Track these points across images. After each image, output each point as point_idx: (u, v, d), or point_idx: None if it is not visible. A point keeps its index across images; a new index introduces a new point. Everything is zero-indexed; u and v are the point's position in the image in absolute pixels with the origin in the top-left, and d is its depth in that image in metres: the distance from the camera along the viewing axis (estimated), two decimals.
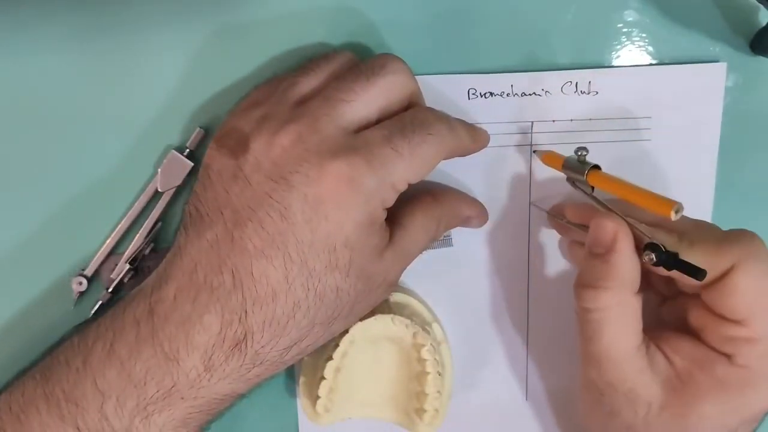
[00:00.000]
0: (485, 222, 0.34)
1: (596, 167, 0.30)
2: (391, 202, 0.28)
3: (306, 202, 0.27)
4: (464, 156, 0.32)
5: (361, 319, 0.31)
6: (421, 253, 0.31)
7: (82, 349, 0.28)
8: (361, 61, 0.31)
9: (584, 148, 0.30)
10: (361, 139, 0.28)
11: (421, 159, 0.28)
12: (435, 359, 0.32)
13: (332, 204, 0.27)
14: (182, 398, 0.27)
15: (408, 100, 0.30)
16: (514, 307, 0.36)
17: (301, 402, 0.33)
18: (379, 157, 0.27)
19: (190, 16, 0.31)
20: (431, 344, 0.32)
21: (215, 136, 0.30)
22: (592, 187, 0.30)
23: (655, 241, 0.27)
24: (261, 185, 0.27)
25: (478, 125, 0.33)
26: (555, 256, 0.35)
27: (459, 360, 0.35)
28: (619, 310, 0.28)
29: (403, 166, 0.28)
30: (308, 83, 0.29)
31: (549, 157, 0.32)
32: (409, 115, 0.29)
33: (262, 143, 0.27)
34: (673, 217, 0.26)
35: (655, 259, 0.27)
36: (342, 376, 0.32)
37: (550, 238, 0.35)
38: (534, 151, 0.34)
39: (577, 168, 0.30)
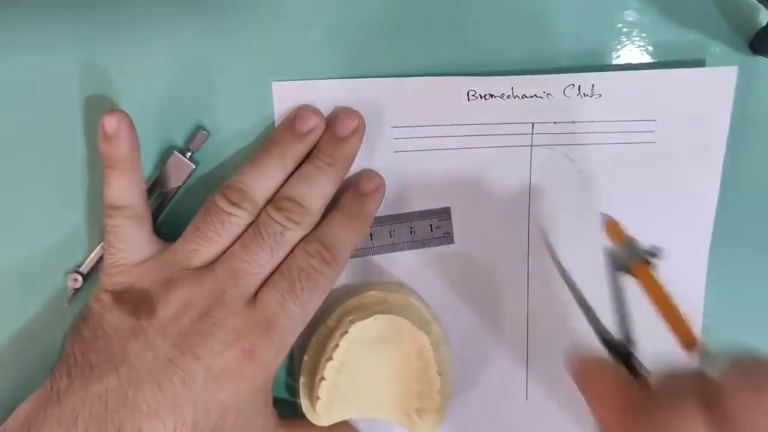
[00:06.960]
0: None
1: (647, 262, 0.28)
2: (283, 359, 0.31)
3: (210, 372, 0.28)
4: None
5: (360, 319, 0.31)
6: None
7: None
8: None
9: (658, 247, 0.28)
10: (260, 311, 0.29)
11: (310, 313, 0.31)
12: (435, 359, 0.32)
13: (234, 375, 0.29)
14: None
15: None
16: (514, 307, 0.36)
17: (302, 403, 0.33)
18: (277, 329, 0.29)
19: (190, 16, 0.31)
20: (431, 344, 0.32)
21: (112, 289, 0.30)
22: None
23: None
24: (165, 351, 0.28)
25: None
26: None
27: (459, 360, 0.35)
28: None
29: (297, 328, 0.30)
30: (210, 250, 0.30)
31: (611, 225, 0.31)
32: (297, 267, 0.30)
33: (170, 313, 0.29)
34: (687, 354, 0.25)
35: None
36: (342, 377, 0.32)
37: (550, 238, 0.35)
38: (602, 214, 0.31)
39: (630, 253, 0.29)
